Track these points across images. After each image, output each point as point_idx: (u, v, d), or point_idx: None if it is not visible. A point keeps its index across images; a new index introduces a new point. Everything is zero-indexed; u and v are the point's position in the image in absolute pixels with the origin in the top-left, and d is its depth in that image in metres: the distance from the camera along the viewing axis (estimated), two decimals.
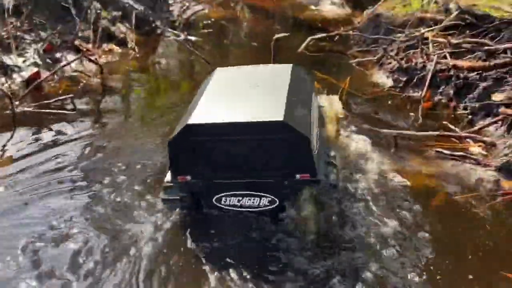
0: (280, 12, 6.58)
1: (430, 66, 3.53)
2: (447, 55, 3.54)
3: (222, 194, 2.13)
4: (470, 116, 3.15)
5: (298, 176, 2.01)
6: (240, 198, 2.12)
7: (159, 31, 4.93)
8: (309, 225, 2.09)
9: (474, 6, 3.80)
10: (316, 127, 2.24)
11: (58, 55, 3.78)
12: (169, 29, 4.92)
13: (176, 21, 5.26)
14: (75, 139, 2.79)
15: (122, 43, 4.46)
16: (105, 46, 4.32)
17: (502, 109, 2.90)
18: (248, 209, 2.14)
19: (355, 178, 2.45)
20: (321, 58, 4.38)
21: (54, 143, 2.73)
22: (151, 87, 3.72)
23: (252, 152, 1.99)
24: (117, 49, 4.35)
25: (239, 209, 2.15)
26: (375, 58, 4.15)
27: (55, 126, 2.94)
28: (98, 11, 4.49)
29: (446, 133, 2.86)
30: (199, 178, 2.08)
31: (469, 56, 3.44)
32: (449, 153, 2.67)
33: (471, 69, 3.26)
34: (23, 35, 3.76)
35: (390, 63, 3.92)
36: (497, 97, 3.08)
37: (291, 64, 2.55)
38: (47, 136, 2.83)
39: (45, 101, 3.11)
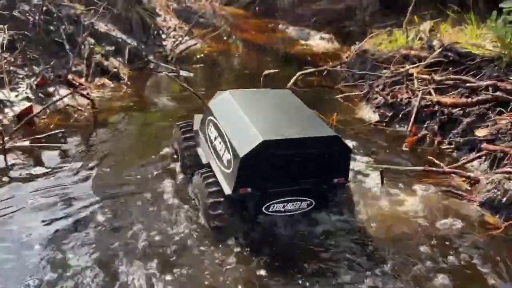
0: (271, 46, 6.75)
1: (415, 102, 3.64)
2: (432, 91, 3.65)
3: (272, 202, 2.30)
4: (454, 151, 3.24)
5: (336, 180, 2.34)
6: (285, 204, 2.36)
7: (152, 65, 5.01)
8: None
9: (456, 43, 3.94)
10: None
11: (50, 89, 3.82)
12: (162, 64, 5.00)
13: (169, 56, 5.35)
14: (66, 172, 2.80)
15: (115, 77, 4.53)
16: (98, 80, 4.38)
17: (484, 145, 2.98)
18: (289, 213, 2.37)
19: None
20: (309, 93, 4.48)
21: (45, 176, 2.75)
22: (143, 121, 3.75)
23: (307, 163, 2.27)
24: (109, 83, 4.41)
25: (282, 214, 2.36)
26: (362, 93, 4.27)
27: (46, 160, 2.95)
28: (92, 46, 4.58)
29: (431, 168, 2.92)
30: (258, 189, 2.24)
31: (453, 92, 3.56)
32: (434, 188, 2.72)
33: (454, 105, 3.36)
34: (16, 69, 3.81)
35: (376, 98, 4.03)
36: (480, 132, 3.16)
37: (289, 90, 2.90)
38: (36, 170, 2.83)
39: (37, 136, 3.13)
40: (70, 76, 4.10)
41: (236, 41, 6.64)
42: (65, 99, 3.71)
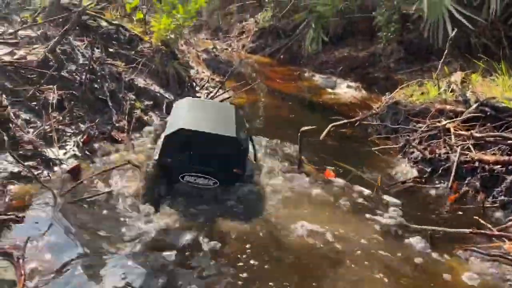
0: (299, 95, 6.89)
1: (454, 158, 3.65)
2: (471, 146, 3.67)
3: (185, 174, 3.27)
4: (500, 211, 3.21)
5: (234, 170, 3.27)
6: (196, 178, 3.30)
7: None
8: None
9: (493, 98, 3.98)
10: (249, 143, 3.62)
11: (96, 146, 3.98)
12: None
13: None
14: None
15: None
16: (139, 134, 4.52)
17: None
18: (199, 185, 3.32)
19: None
20: (342, 145, 4.54)
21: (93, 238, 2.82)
22: None
23: (212, 152, 3.25)
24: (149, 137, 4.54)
25: (193, 184, 3.31)
26: (397, 146, 4.31)
27: (93, 222, 3.03)
28: (132, 102, 4.77)
29: (478, 231, 2.89)
30: (175, 161, 3.26)
31: (493, 148, 3.57)
32: (485, 253, 2.69)
33: (496, 163, 3.36)
34: (64, 128, 3.99)
35: (413, 152, 4.05)
36: None
37: (231, 105, 4.18)
38: (82, 232, 2.91)
39: (85, 196, 3.24)
40: (113, 132, 4.26)
41: (264, 91, 6.80)
42: (112, 158, 3.83)
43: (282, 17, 10.51)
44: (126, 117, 4.54)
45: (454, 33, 5.65)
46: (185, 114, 3.53)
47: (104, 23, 5.51)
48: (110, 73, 4.81)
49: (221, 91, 6.03)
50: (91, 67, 4.51)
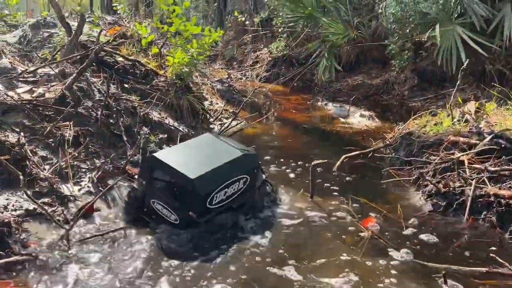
0: (312, 125, 6.90)
1: (469, 191, 3.59)
2: (486, 180, 3.61)
3: (155, 200, 3.30)
4: None
5: (189, 213, 3.09)
6: (162, 208, 3.28)
7: None
8: None
9: (507, 130, 3.92)
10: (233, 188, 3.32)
11: (110, 182, 4.04)
12: None
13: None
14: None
15: None
16: None
17: None
18: (164, 215, 3.29)
19: None
20: (355, 177, 4.50)
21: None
22: None
23: (179, 188, 3.18)
24: None
25: (160, 213, 3.30)
26: (411, 179, 4.26)
27: (107, 260, 3.05)
28: (146, 136, 4.85)
29: (495, 270, 2.81)
30: (149, 185, 3.37)
31: (509, 182, 3.50)
32: None
33: None
34: (80, 164, 4.08)
35: (427, 185, 4.00)
36: None
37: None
38: (96, 272, 2.92)
39: (99, 233, 3.28)
40: (127, 167, 4.32)
41: (278, 121, 6.85)
42: (124, 192, 3.88)
43: (295, 46, 10.67)
44: (141, 151, 4.62)
45: (467, 62, 5.63)
46: (182, 146, 3.76)
47: (120, 59, 5.68)
48: (125, 108, 4.92)
49: (234, 122, 6.09)
50: (106, 102, 4.63)
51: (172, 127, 5.28)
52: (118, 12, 7.25)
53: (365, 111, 7.08)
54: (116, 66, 5.58)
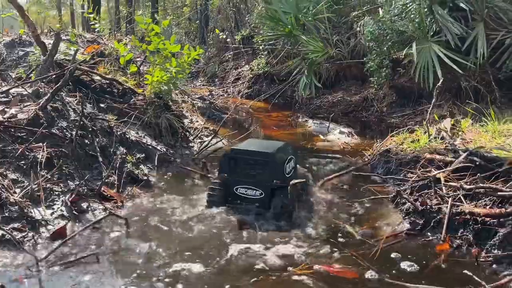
0: (293, 142, 6.88)
1: (446, 209, 3.60)
2: (462, 197, 3.63)
3: (238, 186, 3.92)
4: (494, 265, 3.12)
5: (275, 181, 3.86)
6: (246, 190, 3.92)
7: (179, 169, 5.15)
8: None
9: (481, 148, 3.97)
10: (293, 163, 4.18)
11: (84, 205, 3.94)
12: (189, 168, 5.13)
13: (196, 158, 5.51)
14: None
15: (146, 185, 4.65)
16: (129, 190, 4.50)
17: None
18: (248, 196, 3.91)
19: None
20: (334, 197, 4.49)
21: None
22: (175, 236, 3.72)
23: (257, 167, 3.90)
24: (139, 192, 4.51)
25: (244, 195, 3.92)
26: (389, 196, 4.26)
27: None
28: (123, 156, 4.77)
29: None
30: (230, 176, 3.99)
31: (484, 199, 3.53)
32: None
33: (487, 216, 3.31)
34: (52, 186, 3.97)
35: (404, 203, 4.00)
36: None
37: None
38: None
39: (71, 260, 3.17)
40: (103, 188, 4.23)
41: (258, 138, 6.82)
42: (99, 216, 3.79)
43: (276, 64, 10.76)
44: (117, 171, 4.54)
45: (442, 80, 5.74)
46: (246, 142, 4.52)
47: (97, 78, 5.62)
48: (102, 127, 4.85)
49: (214, 140, 6.05)
50: (82, 123, 4.55)
51: (150, 146, 5.22)
52: (97, 30, 7.19)
53: (344, 128, 7.13)
54: (93, 85, 5.51)
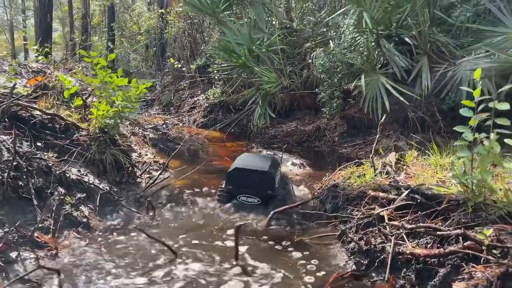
0: None
1: (389, 248, 3.60)
2: (404, 236, 3.65)
3: (240, 195, 5.07)
4: None
5: (269, 192, 5.05)
6: (247, 198, 5.07)
7: (123, 211, 4.93)
8: None
9: (422, 185, 4.04)
10: (278, 175, 5.34)
11: (13, 254, 3.65)
12: (133, 209, 4.93)
13: (141, 196, 5.31)
14: None
15: (85, 228, 4.41)
16: (67, 233, 4.25)
17: None
18: (248, 202, 5.06)
19: None
20: (284, 234, 4.43)
21: None
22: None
23: (255, 180, 5.04)
24: (78, 236, 4.26)
25: (245, 202, 5.05)
26: (336, 234, 4.24)
27: None
28: (61, 197, 4.52)
29: None
30: (234, 187, 5.09)
31: (426, 238, 3.56)
32: None
33: (427, 256, 3.33)
34: None
35: (350, 242, 3.98)
36: (458, 286, 3.09)
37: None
38: None
39: None
40: (36, 234, 3.96)
41: (210, 171, 6.70)
42: (29, 267, 3.52)
43: (232, 93, 10.77)
44: (53, 214, 4.28)
45: (384, 117, 5.90)
46: (242, 157, 5.61)
47: (37, 113, 5.36)
48: (39, 167, 4.59)
49: (164, 174, 5.88)
50: (15, 163, 4.29)
51: (92, 185, 4.98)
52: (40, 60, 6.93)
53: (297, 159, 7.15)
54: (32, 121, 5.24)
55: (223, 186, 5.18)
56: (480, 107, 3.34)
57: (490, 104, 3.29)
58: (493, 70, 6.61)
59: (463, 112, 3.42)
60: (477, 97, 3.32)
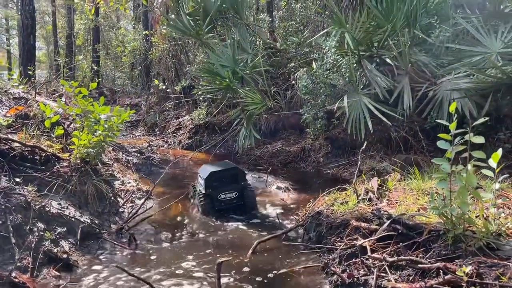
0: None
1: (372, 281, 3.60)
2: (387, 268, 3.65)
3: (220, 194, 5.73)
4: None
5: (243, 183, 5.93)
6: (226, 194, 5.76)
7: (105, 244, 4.86)
8: None
9: (403, 215, 4.06)
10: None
11: None
12: (115, 242, 4.86)
13: (123, 228, 5.24)
14: None
15: (65, 265, 4.32)
16: (46, 272, 4.16)
17: None
18: (228, 198, 5.78)
19: None
20: (267, 266, 4.39)
21: None
22: None
23: (230, 177, 5.92)
24: (57, 274, 4.18)
25: (225, 198, 5.77)
26: (319, 265, 4.22)
27: None
28: (41, 233, 4.44)
29: None
30: (213, 189, 5.76)
31: (408, 269, 3.56)
32: None
33: None
34: None
35: (333, 274, 3.97)
36: None
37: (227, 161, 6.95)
38: None
39: None
40: (14, 274, 3.88)
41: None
42: None
43: (217, 114, 10.77)
44: (32, 252, 4.20)
45: (365, 144, 5.96)
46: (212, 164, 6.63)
47: (16, 145, 5.28)
48: (17, 203, 4.51)
49: (145, 205, 5.82)
50: None
51: (73, 219, 4.90)
52: (21, 89, 6.86)
53: (281, 183, 7.14)
54: (12, 154, 5.16)
55: (201, 192, 5.85)
56: (456, 140, 3.38)
57: (466, 137, 3.33)
58: (472, 90, 6.74)
59: (440, 144, 3.45)
60: (453, 130, 3.36)
